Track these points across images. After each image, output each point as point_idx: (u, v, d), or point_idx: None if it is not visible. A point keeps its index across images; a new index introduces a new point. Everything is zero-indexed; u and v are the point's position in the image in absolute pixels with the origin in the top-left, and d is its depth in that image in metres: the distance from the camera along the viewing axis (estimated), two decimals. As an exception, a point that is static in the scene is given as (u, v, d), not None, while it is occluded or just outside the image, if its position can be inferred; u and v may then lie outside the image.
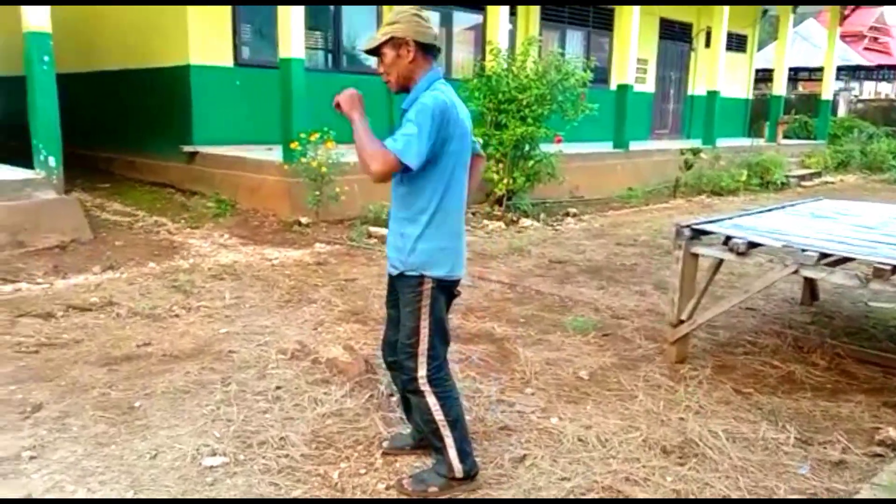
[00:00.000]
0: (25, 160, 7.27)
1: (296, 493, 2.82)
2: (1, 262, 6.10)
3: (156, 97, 10.14)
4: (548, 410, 3.64)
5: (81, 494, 2.78)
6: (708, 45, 15.95)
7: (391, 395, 3.69)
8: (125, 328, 4.73)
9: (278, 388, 3.80)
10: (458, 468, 2.84)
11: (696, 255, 4.25)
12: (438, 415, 2.81)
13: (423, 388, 2.80)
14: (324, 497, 2.81)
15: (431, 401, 2.81)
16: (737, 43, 18.10)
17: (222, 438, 3.23)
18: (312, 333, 4.69)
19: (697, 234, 4.25)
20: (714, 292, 5.48)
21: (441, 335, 2.84)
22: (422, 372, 2.79)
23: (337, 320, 4.98)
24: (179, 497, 2.77)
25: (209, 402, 3.62)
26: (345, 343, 4.47)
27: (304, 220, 7.95)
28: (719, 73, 14.80)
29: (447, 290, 2.84)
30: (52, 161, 6.97)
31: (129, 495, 2.77)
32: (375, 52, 2.74)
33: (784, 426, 3.50)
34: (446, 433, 2.82)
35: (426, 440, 2.94)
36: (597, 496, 2.85)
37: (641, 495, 2.87)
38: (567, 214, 9.91)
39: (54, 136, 7.00)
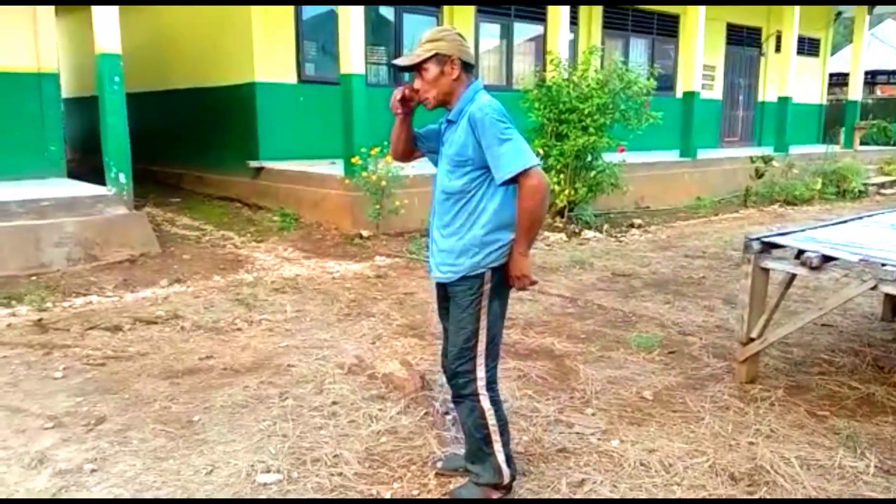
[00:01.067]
0: (98, 177, 7.56)
1: (348, 514, 2.79)
2: (74, 275, 6.32)
3: (223, 114, 10.41)
4: (609, 432, 3.51)
5: (139, 509, 2.81)
6: (778, 49, 15.44)
7: (446, 413, 3.63)
8: (189, 341, 4.82)
9: (334, 403, 3.79)
10: (506, 472, 2.84)
11: (766, 270, 4.06)
12: (491, 419, 2.80)
13: (480, 392, 2.78)
14: (376, 518, 2.77)
15: (486, 406, 2.79)
16: (809, 47, 17.47)
17: (277, 455, 3.23)
18: (370, 348, 4.68)
19: (768, 246, 4.05)
20: (787, 308, 5.24)
21: (499, 336, 2.86)
22: (480, 374, 2.78)
23: (395, 334, 4.96)
24: (233, 514, 2.78)
25: (266, 417, 3.63)
26: (402, 358, 4.43)
27: (365, 233, 8.00)
28: (790, 78, 14.30)
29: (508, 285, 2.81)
30: (122, 178, 7.20)
31: (185, 511, 2.79)
32: (413, 67, 2.74)
33: (863, 453, 3.28)
34: (496, 438, 2.82)
35: (472, 447, 2.88)
36: (659, 524, 2.72)
37: (707, 525, 2.73)
38: (632, 226, 9.69)
39: (124, 153, 7.24)
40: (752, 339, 4.06)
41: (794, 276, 4.04)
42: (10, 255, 6.31)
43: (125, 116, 7.19)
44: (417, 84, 2.76)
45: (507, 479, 2.85)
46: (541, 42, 12.47)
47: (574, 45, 12.44)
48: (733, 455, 3.26)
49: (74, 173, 8.67)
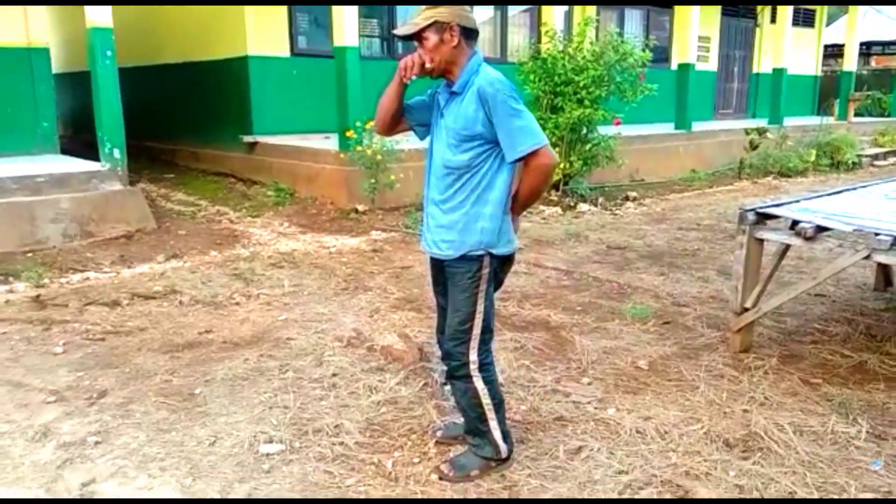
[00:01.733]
0: (91, 153, 7.52)
1: (350, 482, 2.83)
2: (70, 251, 6.33)
3: (216, 89, 10.34)
4: (605, 401, 3.56)
5: (143, 480, 2.85)
6: (774, 20, 15.35)
7: (444, 383, 3.67)
8: (187, 316, 4.84)
9: (334, 375, 3.83)
10: (503, 448, 2.89)
11: (761, 241, 4.09)
12: (486, 399, 2.83)
13: (473, 373, 2.80)
14: (379, 484, 2.82)
15: (480, 385, 2.82)
16: (804, 18, 17.37)
17: (279, 426, 3.27)
18: (368, 321, 4.71)
19: (762, 217, 4.09)
20: (781, 278, 5.29)
21: (492, 319, 2.87)
22: (472, 357, 2.79)
23: (392, 308, 4.99)
24: (236, 482, 2.82)
25: (267, 389, 3.67)
26: (400, 331, 4.47)
27: (360, 207, 8.00)
28: (786, 49, 14.23)
29: (503, 268, 2.86)
30: (116, 153, 7.17)
31: (188, 482, 2.83)
32: (413, 36, 2.68)
33: (855, 419, 3.34)
34: (491, 416, 2.85)
35: (469, 425, 2.92)
36: (655, 491, 2.78)
37: (702, 490, 2.78)
38: (626, 198, 9.71)
39: (118, 128, 7.20)
40: (747, 309, 4.11)
41: (788, 246, 4.07)
42: (6, 231, 6.30)
43: (118, 91, 7.14)
44: (419, 52, 2.71)
45: (504, 454, 2.90)
46: (535, 14, 12.37)
47: (569, 16, 12.33)
48: (728, 422, 3.32)
49: (66, 150, 8.61)
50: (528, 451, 3.06)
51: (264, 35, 9.61)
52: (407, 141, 8.15)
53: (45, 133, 8.30)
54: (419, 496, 2.73)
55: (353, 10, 8.06)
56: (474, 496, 2.76)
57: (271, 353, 4.15)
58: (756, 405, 3.48)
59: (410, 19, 2.72)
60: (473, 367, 2.79)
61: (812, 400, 3.55)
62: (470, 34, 2.70)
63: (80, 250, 6.38)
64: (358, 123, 7.74)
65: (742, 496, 2.74)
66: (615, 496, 2.74)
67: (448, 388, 3.56)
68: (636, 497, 2.74)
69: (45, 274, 5.66)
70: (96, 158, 7.32)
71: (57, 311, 4.91)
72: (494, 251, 2.74)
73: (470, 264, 2.73)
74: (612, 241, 7.25)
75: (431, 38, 2.65)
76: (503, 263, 2.85)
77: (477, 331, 2.78)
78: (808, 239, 3.75)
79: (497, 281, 2.89)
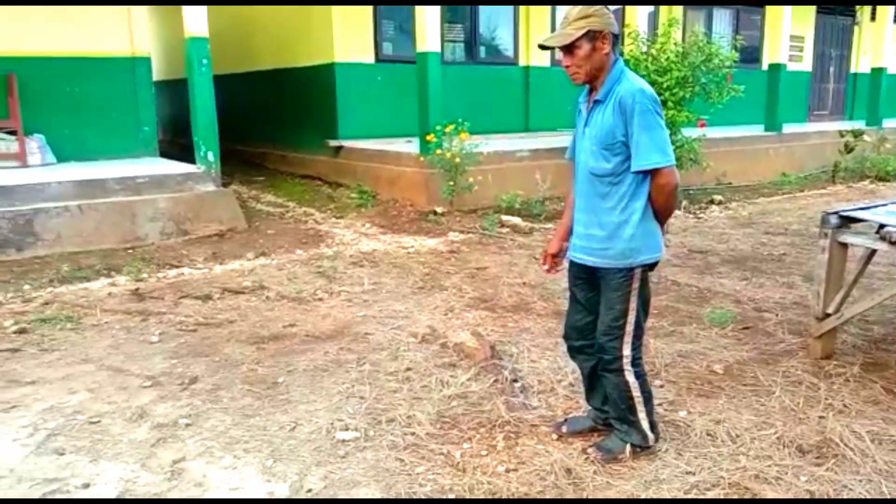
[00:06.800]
0: (187, 156, 7.96)
1: (419, 470, 2.94)
2: (167, 248, 6.73)
3: (304, 94, 10.73)
4: (676, 403, 3.55)
5: (228, 460, 3.04)
6: (874, 18, 14.65)
7: (515, 380, 3.75)
8: (273, 310, 5.09)
9: (408, 369, 3.96)
10: (650, 437, 3.03)
11: (844, 245, 3.98)
12: (636, 392, 2.96)
13: (625, 367, 2.92)
14: (447, 473, 2.92)
15: (631, 379, 2.94)
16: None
17: (355, 414, 3.42)
18: (443, 319, 4.83)
19: (846, 221, 3.97)
20: (871, 286, 5.12)
21: (646, 316, 2.99)
22: (626, 352, 2.91)
23: (466, 307, 5.09)
24: (313, 465, 2.98)
25: (345, 380, 3.83)
26: (473, 329, 4.57)
27: (439, 209, 8.15)
28: (886, 47, 13.56)
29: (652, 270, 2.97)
30: (210, 156, 7.57)
31: (269, 463, 3.01)
32: (565, 46, 2.75)
33: (941, 430, 3.22)
34: (640, 408, 2.97)
35: (617, 414, 3.02)
36: (722, 493, 2.77)
37: (772, 494, 2.75)
38: (711, 202, 9.50)
39: (213, 133, 7.60)
40: (828, 315, 4.00)
41: (874, 251, 3.94)
42: (110, 228, 6.76)
43: (213, 97, 7.54)
44: (567, 62, 2.77)
45: (651, 443, 3.03)
46: (619, 15, 12.25)
47: (654, 17, 12.17)
48: (802, 428, 3.25)
49: (164, 153, 9.14)
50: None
51: (350, 42, 9.91)
52: (486, 144, 8.28)
53: (145, 137, 8.84)
54: (486, 486, 2.81)
55: (435, 16, 8.22)
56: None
57: (350, 347, 4.32)
58: (833, 412, 3.40)
59: (560, 28, 2.77)
60: (626, 361, 2.92)
61: (894, 409, 3.44)
62: (616, 40, 2.79)
63: (175, 247, 6.78)
64: (438, 127, 7.89)
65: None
66: (681, 496, 2.74)
67: (518, 384, 3.66)
68: (702, 497, 2.74)
69: (144, 269, 6.04)
70: (192, 161, 7.75)
71: (154, 303, 5.25)
72: (642, 257, 2.82)
73: (618, 269, 2.84)
74: (693, 244, 7.13)
75: (584, 46, 2.72)
76: (652, 266, 2.93)
77: (630, 327, 2.90)
78: (893, 244, 3.62)
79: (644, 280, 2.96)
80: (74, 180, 6.81)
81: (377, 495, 2.77)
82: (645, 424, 2.99)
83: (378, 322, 4.78)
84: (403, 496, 2.76)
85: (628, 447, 3.00)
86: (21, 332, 4.60)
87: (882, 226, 3.74)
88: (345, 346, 4.34)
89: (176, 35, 8.80)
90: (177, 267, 6.20)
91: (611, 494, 2.77)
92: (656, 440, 3.05)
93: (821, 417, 3.35)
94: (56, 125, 8.13)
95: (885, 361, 4.02)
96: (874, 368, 3.92)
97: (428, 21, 8.15)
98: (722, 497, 2.74)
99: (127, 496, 2.79)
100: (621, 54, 9.16)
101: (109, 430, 3.33)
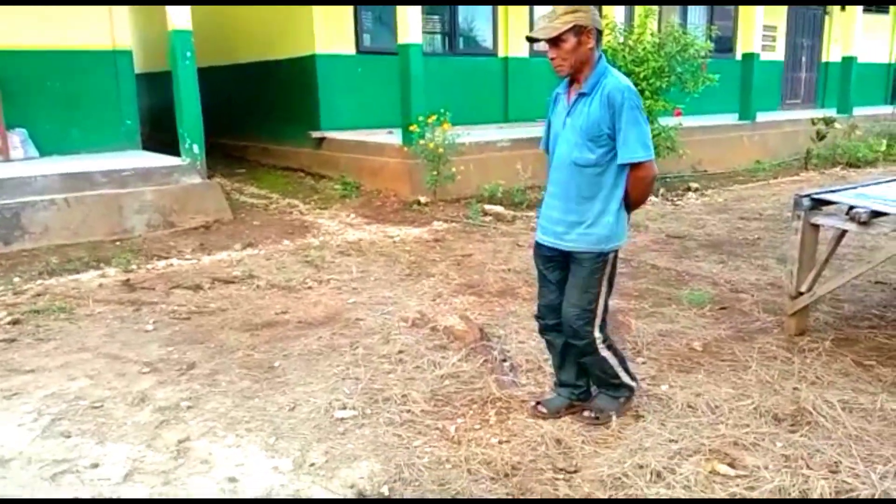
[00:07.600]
0: (168, 150, 7.99)
1: (417, 443, 3.08)
2: (154, 240, 6.79)
3: (286, 87, 10.77)
4: (658, 378, 3.72)
5: (231, 439, 3.16)
6: (844, 8, 14.96)
7: (504, 360, 3.90)
8: (264, 298, 5.19)
9: (401, 352, 4.09)
10: (633, 384, 3.32)
11: (816, 226, 4.17)
12: (613, 361, 3.20)
13: (600, 347, 3.13)
14: (443, 446, 3.06)
15: (607, 354, 3.18)
16: (877, 3, 16.84)
17: (351, 394, 3.55)
18: (431, 304, 4.96)
19: (818, 203, 4.16)
20: (841, 266, 5.32)
21: (609, 295, 3.18)
22: (597, 334, 3.11)
23: (453, 293, 5.23)
24: (314, 442, 3.10)
25: (339, 363, 3.96)
26: (461, 313, 4.71)
27: (422, 199, 8.27)
28: (856, 37, 13.87)
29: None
30: (195, 148, 7.63)
31: (272, 441, 3.13)
32: (552, 39, 2.87)
33: (907, 398, 3.42)
34: (620, 371, 3.24)
35: (601, 382, 3.27)
36: (703, 458, 2.93)
37: (750, 459, 2.92)
38: (688, 189, 9.72)
39: (197, 125, 7.65)
40: (801, 293, 4.19)
41: (844, 232, 4.13)
42: (97, 221, 6.80)
43: (197, 89, 7.59)
44: (553, 54, 2.91)
45: (635, 386, 3.33)
46: (597, 7, 12.41)
47: (630, 8, 12.34)
48: (777, 398, 3.44)
49: (146, 146, 9.14)
50: (582, 422, 3.25)
51: (331, 34, 9.97)
52: (467, 135, 8.40)
53: (128, 130, 8.84)
54: (480, 457, 2.96)
55: (416, 8, 8.31)
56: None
57: (342, 332, 4.44)
58: (807, 384, 3.58)
59: (544, 22, 2.90)
60: (599, 340, 3.13)
61: (864, 380, 3.63)
62: (599, 36, 2.95)
63: (163, 239, 6.84)
64: (420, 118, 8.00)
65: (788, 466, 2.87)
66: (665, 461, 2.91)
67: (507, 363, 3.81)
68: (683, 463, 2.91)
69: (133, 260, 6.10)
70: (174, 154, 7.78)
71: (145, 293, 5.33)
72: (617, 243, 3.04)
73: (596, 254, 3.02)
74: (671, 230, 7.32)
75: (570, 40, 2.87)
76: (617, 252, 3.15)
77: (600, 310, 3.10)
78: (862, 224, 3.81)
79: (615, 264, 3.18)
80: (60, 174, 6.83)
81: (377, 468, 2.90)
82: (626, 378, 3.26)
83: (368, 308, 4.91)
84: (403, 467, 2.89)
85: (618, 403, 3.26)
86: (15, 322, 4.66)
87: (852, 207, 3.92)
88: (337, 332, 4.46)
89: (156, 28, 8.79)
90: (165, 258, 6.27)
91: (599, 462, 2.93)
92: (636, 382, 3.34)
93: (795, 389, 3.53)
94: (38, 119, 8.11)
95: (854, 336, 4.23)
96: (845, 343, 4.12)
97: (410, 13, 8.24)
98: (701, 461, 2.91)
99: (136, 475, 2.89)
100: (599, 45, 9.44)
101: (112, 413, 3.43)
